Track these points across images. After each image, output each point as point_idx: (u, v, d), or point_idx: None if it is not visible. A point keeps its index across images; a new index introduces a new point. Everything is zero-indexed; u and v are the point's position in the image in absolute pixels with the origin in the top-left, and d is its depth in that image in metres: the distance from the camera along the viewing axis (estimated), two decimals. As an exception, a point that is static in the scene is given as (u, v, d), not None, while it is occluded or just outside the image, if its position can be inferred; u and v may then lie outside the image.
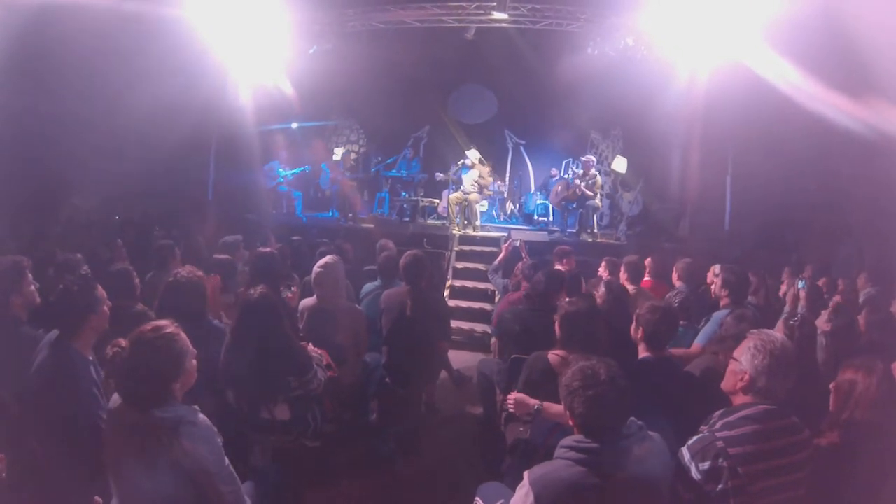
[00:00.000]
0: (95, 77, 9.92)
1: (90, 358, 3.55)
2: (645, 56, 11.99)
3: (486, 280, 9.88)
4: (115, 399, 2.89)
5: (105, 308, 3.73)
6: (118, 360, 2.86)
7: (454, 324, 8.80)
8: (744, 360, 2.86)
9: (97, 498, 3.02)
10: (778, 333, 2.94)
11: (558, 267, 7.27)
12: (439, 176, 13.48)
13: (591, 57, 12.40)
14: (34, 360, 3.51)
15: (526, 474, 2.58)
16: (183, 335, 2.92)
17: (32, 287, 4.41)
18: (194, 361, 2.97)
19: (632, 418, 2.65)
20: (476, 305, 9.86)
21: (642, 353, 3.95)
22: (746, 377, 2.83)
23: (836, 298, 6.45)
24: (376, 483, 4.99)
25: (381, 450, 5.36)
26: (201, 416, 2.85)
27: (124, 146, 10.40)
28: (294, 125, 14.96)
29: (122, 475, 2.83)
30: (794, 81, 9.05)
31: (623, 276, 6.79)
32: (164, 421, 2.72)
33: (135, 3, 8.88)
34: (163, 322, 2.95)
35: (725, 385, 2.97)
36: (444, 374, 6.87)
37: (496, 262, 8.04)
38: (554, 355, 3.93)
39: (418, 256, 5.77)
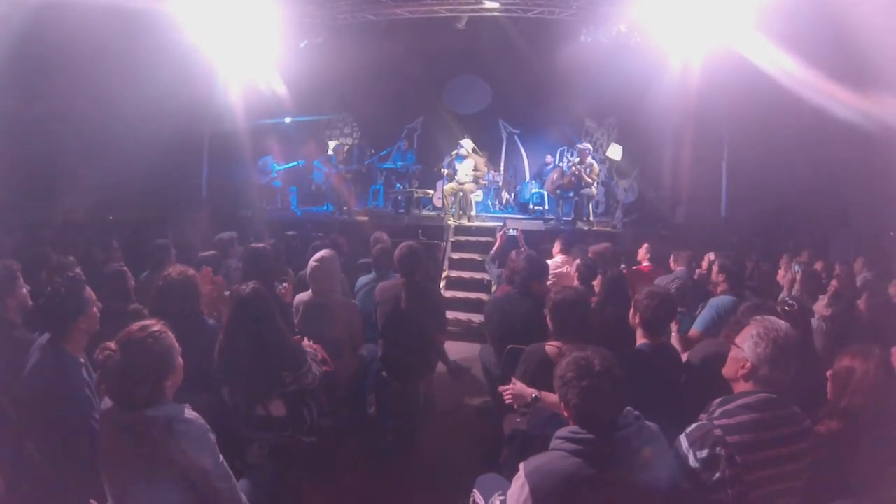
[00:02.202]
0: (86, 77, 9.86)
1: (82, 360, 3.54)
2: (639, 43, 11.91)
3: (482, 270, 9.89)
4: (107, 402, 2.88)
5: (94, 309, 3.71)
6: (110, 364, 2.82)
7: (451, 314, 8.81)
8: (746, 347, 2.82)
9: (92, 501, 2.99)
10: (782, 322, 2.89)
11: (559, 256, 7.31)
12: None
13: (584, 45, 12.34)
14: (27, 364, 3.50)
15: (521, 466, 2.55)
16: (169, 332, 2.90)
17: (25, 290, 4.40)
18: (180, 359, 2.95)
19: (628, 408, 2.62)
20: (472, 296, 9.86)
21: (640, 339, 3.92)
22: (748, 365, 2.79)
23: (834, 283, 6.44)
24: (374, 477, 4.98)
25: (379, 444, 5.35)
26: (194, 413, 2.83)
27: (117, 146, 10.35)
28: (287, 120, 14.90)
29: (117, 477, 2.82)
30: (787, 68, 9.02)
31: None
32: (157, 420, 2.71)
33: (123, 3, 8.79)
34: (149, 321, 2.93)
35: (726, 371, 2.94)
36: (441, 366, 6.85)
37: (492, 251, 8.01)
38: (551, 346, 3.91)
39: (413, 248, 5.71)
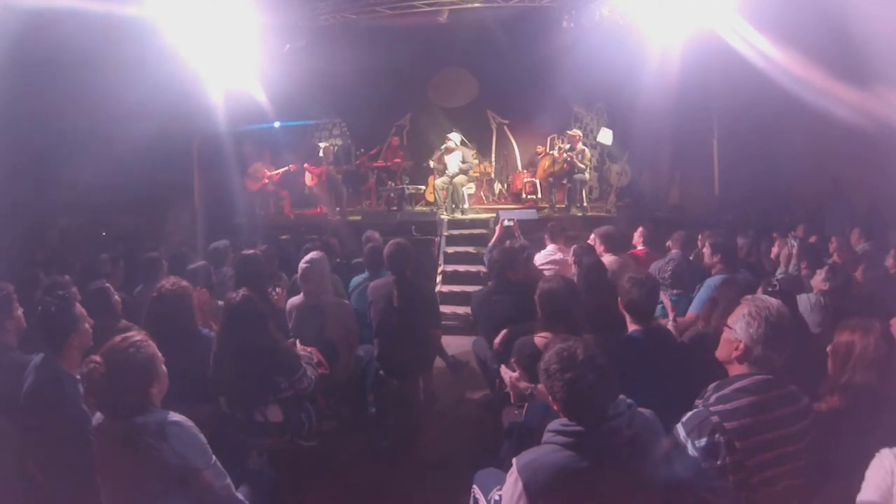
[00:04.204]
0: (72, 92, 9.81)
1: (77, 376, 3.51)
2: (622, 27, 11.85)
3: (478, 263, 9.90)
4: (98, 416, 2.91)
5: (86, 326, 3.73)
6: (95, 376, 2.83)
7: (448, 309, 8.82)
8: (738, 328, 2.76)
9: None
10: (773, 299, 2.85)
11: (550, 245, 7.29)
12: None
13: (567, 31, 12.28)
14: (24, 384, 3.51)
15: (514, 461, 2.52)
16: (150, 341, 2.96)
17: (20, 311, 4.39)
18: (164, 366, 2.99)
19: (621, 396, 2.58)
20: (469, 289, 9.76)
21: (630, 325, 3.90)
22: (741, 346, 2.74)
23: (834, 259, 6.43)
24: (376, 476, 4.96)
25: (380, 443, 5.34)
26: (181, 416, 2.88)
27: (106, 157, 10.27)
28: (276, 124, 14.84)
29: (115, 489, 2.86)
30: (773, 46, 8.99)
31: (599, 248, 6.76)
32: (147, 426, 2.76)
33: (107, 14, 8.73)
34: (130, 332, 2.99)
35: (720, 354, 2.89)
36: (440, 361, 6.83)
37: (491, 243, 7.99)
38: (540, 338, 3.87)
39: (401, 245, 5.70)
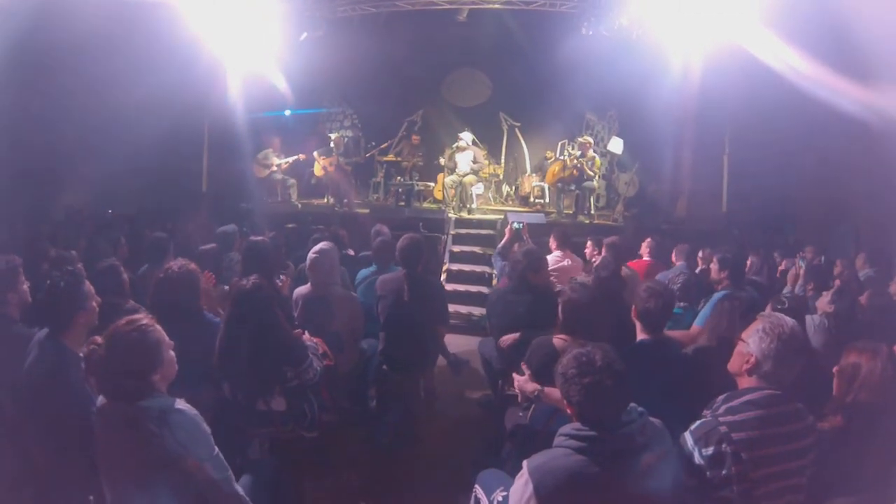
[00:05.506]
0: (85, 70, 9.80)
1: (81, 355, 3.49)
2: (640, 37, 11.87)
3: (482, 263, 9.94)
4: (101, 398, 2.87)
5: (93, 304, 3.67)
6: (95, 357, 2.81)
7: (451, 307, 8.76)
8: (751, 342, 2.80)
9: (90, 497, 2.98)
10: (788, 318, 2.88)
11: (557, 251, 7.30)
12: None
13: (585, 38, 12.30)
14: (26, 359, 3.46)
15: (525, 463, 2.54)
16: (157, 326, 2.90)
17: (26, 286, 4.36)
18: (172, 352, 2.94)
19: (633, 404, 2.60)
20: (473, 289, 9.84)
21: (640, 334, 3.94)
22: (752, 360, 2.78)
23: (838, 283, 6.42)
24: (375, 472, 4.98)
25: (380, 438, 5.34)
26: (186, 404, 2.84)
27: (116, 138, 10.27)
28: (287, 112, 14.85)
29: (115, 472, 2.83)
30: (789, 61, 8.98)
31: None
32: (150, 411, 2.71)
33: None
34: (137, 315, 2.93)
35: (731, 366, 2.93)
36: (442, 359, 6.83)
37: (500, 245, 7.99)
38: (559, 339, 3.90)
39: (415, 240, 5.69)
